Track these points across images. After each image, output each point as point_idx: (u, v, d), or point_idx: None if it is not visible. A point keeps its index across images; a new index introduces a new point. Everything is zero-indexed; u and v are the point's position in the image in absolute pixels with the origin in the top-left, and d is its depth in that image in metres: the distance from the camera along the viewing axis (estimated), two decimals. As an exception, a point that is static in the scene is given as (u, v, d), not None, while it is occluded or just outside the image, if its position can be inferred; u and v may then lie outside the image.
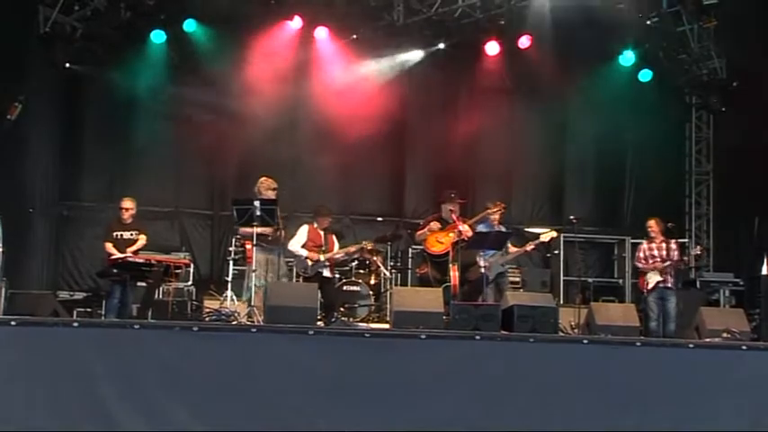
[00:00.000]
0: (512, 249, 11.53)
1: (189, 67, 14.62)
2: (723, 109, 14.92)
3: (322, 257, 11.37)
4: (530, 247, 11.75)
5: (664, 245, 11.81)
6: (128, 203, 11.41)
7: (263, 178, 10.89)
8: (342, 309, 11.59)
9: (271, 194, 10.63)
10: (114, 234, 11.23)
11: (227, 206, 12.64)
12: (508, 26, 14.39)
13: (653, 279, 11.64)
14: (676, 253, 11.71)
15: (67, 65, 13.41)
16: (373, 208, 15.40)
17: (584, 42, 14.22)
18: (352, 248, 12.14)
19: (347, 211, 15.22)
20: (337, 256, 11.77)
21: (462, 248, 10.63)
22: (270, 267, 10.52)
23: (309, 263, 11.29)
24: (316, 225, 11.63)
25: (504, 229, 11.71)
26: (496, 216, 11.45)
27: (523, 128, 15.29)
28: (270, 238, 10.55)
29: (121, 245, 11.12)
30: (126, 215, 11.34)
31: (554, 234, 11.99)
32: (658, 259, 11.72)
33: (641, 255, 11.97)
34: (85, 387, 6.96)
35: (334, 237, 11.88)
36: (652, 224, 11.98)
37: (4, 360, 6.92)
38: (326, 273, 11.45)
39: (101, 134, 14.40)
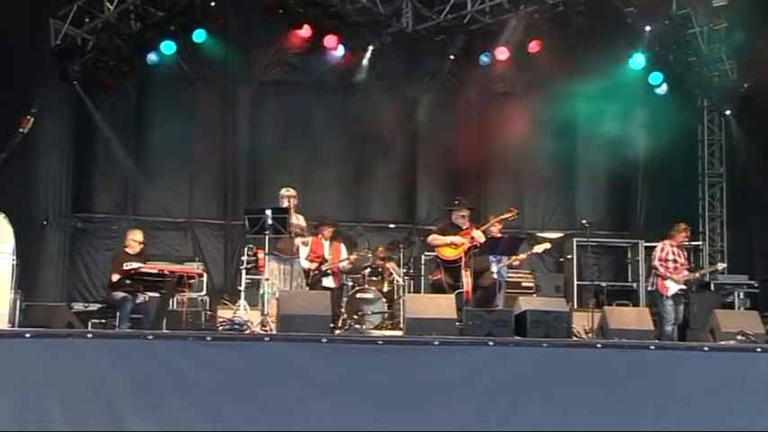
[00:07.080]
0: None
1: (200, 78, 14.74)
2: (734, 111, 14.86)
3: (323, 267, 11.52)
4: (522, 256, 11.79)
5: (681, 251, 11.73)
6: (137, 236, 11.41)
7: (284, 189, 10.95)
8: (355, 316, 11.61)
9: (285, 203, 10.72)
10: (124, 265, 11.24)
11: (239, 216, 12.68)
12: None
13: (674, 286, 11.49)
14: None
15: (79, 77, 13.46)
16: (385, 215, 15.36)
17: (595, 46, 14.22)
18: (354, 256, 12.20)
19: (360, 218, 15.28)
20: (341, 264, 11.87)
21: (475, 254, 10.62)
22: (284, 277, 10.56)
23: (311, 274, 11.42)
24: (320, 236, 11.80)
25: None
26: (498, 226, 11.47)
27: (534, 133, 15.24)
28: (285, 250, 10.60)
29: None
30: (134, 246, 11.34)
31: (547, 245, 11.98)
32: (683, 267, 11.64)
33: (664, 255, 11.60)
34: (100, 398, 6.99)
35: (342, 245, 12.10)
36: (686, 230, 11.83)
37: (19, 372, 6.96)
38: (326, 282, 11.69)
39: (113, 146, 14.46)
